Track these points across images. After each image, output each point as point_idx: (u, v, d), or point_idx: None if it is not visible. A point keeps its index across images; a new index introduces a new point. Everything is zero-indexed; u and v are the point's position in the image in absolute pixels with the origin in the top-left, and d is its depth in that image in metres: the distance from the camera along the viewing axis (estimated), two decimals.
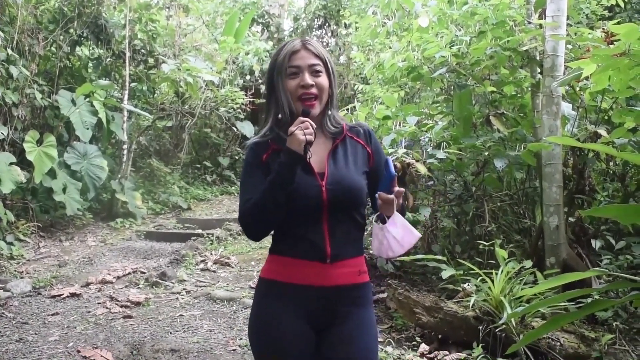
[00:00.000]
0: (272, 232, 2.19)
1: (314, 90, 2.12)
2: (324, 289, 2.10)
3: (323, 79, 2.14)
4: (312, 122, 2.03)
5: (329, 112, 2.21)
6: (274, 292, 2.15)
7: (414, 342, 4.55)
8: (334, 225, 2.11)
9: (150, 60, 11.06)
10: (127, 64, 10.35)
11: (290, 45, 2.16)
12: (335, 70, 2.24)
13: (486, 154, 5.23)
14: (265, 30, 16.06)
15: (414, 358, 4.28)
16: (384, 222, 2.12)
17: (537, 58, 5.28)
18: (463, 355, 4.22)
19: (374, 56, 8.21)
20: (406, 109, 5.98)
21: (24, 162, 8.36)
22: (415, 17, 5.91)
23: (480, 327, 4.12)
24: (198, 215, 10.74)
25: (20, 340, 4.78)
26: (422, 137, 5.68)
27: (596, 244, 4.98)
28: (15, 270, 6.85)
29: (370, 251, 4.54)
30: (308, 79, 2.11)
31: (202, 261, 7.39)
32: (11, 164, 7.89)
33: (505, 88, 5.61)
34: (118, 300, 5.82)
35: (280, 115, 2.15)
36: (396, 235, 2.09)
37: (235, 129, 13.40)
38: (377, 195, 2.08)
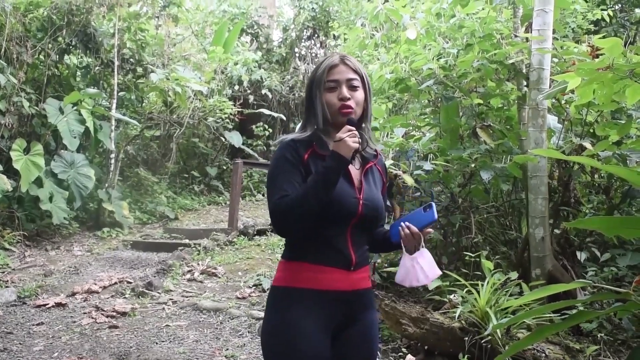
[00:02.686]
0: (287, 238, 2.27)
1: (351, 103, 2.20)
2: (347, 293, 2.20)
3: (359, 94, 2.23)
4: (358, 132, 2.14)
5: (363, 125, 2.30)
6: (297, 300, 2.16)
7: (400, 353, 4.55)
8: (355, 235, 2.22)
9: (139, 70, 11.06)
10: (116, 72, 10.35)
11: (329, 60, 2.26)
12: (371, 86, 2.34)
13: (473, 165, 5.26)
14: (255, 41, 16.09)
15: None
16: (409, 252, 2.25)
17: (524, 71, 5.33)
18: None
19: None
20: (394, 120, 6.01)
21: (10, 171, 8.33)
22: (403, 30, 5.95)
23: (466, 338, 4.13)
24: (185, 225, 10.71)
25: (4, 350, 4.74)
26: (410, 149, 5.70)
27: (581, 255, 5.01)
28: (0, 280, 6.79)
29: None
30: (346, 92, 2.20)
31: (189, 271, 7.37)
32: None
33: (492, 100, 5.66)
34: (104, 310, 5.79)
35: (315, 126, 2.25)
36: (424, 267, 2.22)
37: (223, 139, 13.39)
38: (404, 224, 2.21)
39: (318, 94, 2.23)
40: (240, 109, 13.25)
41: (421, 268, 2.21)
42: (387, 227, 2.41)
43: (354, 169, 2.26)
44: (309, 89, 2.28)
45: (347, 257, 2.18)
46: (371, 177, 2.32)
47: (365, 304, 2.28)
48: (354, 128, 2.12)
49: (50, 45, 9.71)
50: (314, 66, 2.34)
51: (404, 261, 2.25)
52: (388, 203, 2.20)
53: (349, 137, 2.08)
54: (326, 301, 2.16)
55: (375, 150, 2.38)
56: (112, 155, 10.59)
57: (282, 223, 2.12)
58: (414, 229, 2.18)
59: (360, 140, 2.13)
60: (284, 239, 2.30)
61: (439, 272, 2.27)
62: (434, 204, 2.20)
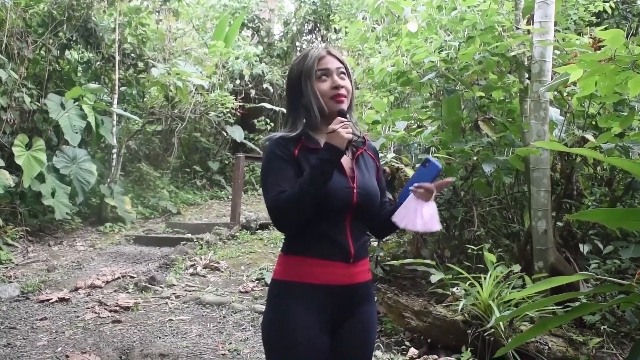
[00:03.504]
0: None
1: (343, 91, 2.21)
2: (345, 287, 2.19)
3: (347, 83, 2.25)
4: (349, 122, 2.15)
5: (350, 115, 2.31)
6: (295, 293, 2.16)
7: (403, 347, 4.56)
8: (354, 227, 2.21)
9: (140, 64, 11.04)
10: (117, 67, 10.33)
11: (316, 52, 2.27)
12: (352, 77, 2.35)
13: (475, 158, 5.26)
14: (255, 35, 16.06)
15: None
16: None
17: (525, 63, 5.31)
18: (452, 359, 4.24)
19: (363, 61, 8.23)
20: (395, 113, 6.01)
21: (12, 166, 8.33)
22: (404, 23, 5.94)
23: (469, 331, 4.14)
24: (187, 220, 10.72)
25: (8, 345, 4.75)
26: (411, 142, 5.70)
27: (584, 248, 5.00)
28: (3, 275, 6.81)
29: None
30: (339, 80, 2.22)
31: (192, 266, 7.37)
32: (0, 167, 7.85)
33: (494, 93, 5.65)
34: (107, 305, 5.80)
35: (305, 120, 2.24)
36: (425, 215, 2.17)
37: (225, 134, 13.39)
38: (414, 185, 2.17)
39: (309, 84, 2.22)
40: (241, 103, 13.24)
41: (422, 215, 2.17)
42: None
43: (345, 159, 2.24)
44: (297, 81, 2.26)
45: (346, 249, 2.16)
46: (363, 164, 2.32)
47: (364, 296, 2.27)
48: (345, 119, 2.12)
49: (51, 41, 9.70)
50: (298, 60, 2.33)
51: (409, 202, 2.21)
52: (389, 195, 2.15)
53: (341, 128, 2.08)
54: (324, 295, 2.15)
55: (363, 137, 2.38)
56: (114, 151, 10.60)
57: (282, 219, 2.13)
58: (427, 184, 2.15)
59: (352, 130, 2.14)
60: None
61: (438, 227, 2.22)
62: (430, 157, 2.20)
